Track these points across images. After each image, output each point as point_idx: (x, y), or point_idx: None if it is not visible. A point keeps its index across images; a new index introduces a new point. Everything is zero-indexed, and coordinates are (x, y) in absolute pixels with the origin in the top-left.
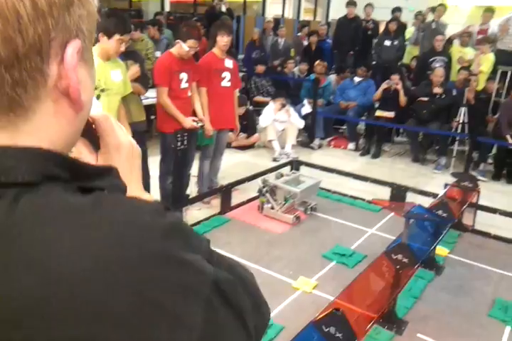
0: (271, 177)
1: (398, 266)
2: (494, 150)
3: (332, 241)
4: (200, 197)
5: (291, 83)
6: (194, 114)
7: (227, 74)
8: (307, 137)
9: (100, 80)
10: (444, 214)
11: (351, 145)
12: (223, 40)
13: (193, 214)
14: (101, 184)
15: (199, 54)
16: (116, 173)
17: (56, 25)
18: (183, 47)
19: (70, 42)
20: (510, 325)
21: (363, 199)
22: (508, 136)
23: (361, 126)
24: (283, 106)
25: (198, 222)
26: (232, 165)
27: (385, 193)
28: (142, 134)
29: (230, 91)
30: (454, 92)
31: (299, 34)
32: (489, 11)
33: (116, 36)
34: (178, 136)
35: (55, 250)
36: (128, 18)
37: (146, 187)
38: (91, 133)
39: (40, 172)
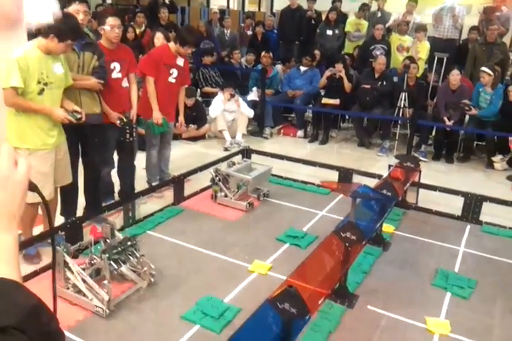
0: (223, 166)
1: (347, 243)
2: (434, 133)
3: (285, 225)
4: (152, 189)
5: (239, 73)
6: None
7: (174, 71)
8: (257, 126)
9: (43, 73)
10: (389, 193)
11: (300, 133)
12: (187, 51)
13: (146, 206)
14: None
15: (144, 45)
16: None
17: None
18: (106, 30)
19: None
20: (451, 291)
21: (313, 184)
22: (445, 118)
23: (309, 114)
24: (232, 96)
25: (152, 214)
26: (184, 156)
27: (333, 176)
28: (97, 127)
29: (174, 88)
30: (395, 79)
31: (243, 25)
32: (413, 1)
33: (68, 42)
34: (127, 127)
35: None
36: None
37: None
38: None
39: None
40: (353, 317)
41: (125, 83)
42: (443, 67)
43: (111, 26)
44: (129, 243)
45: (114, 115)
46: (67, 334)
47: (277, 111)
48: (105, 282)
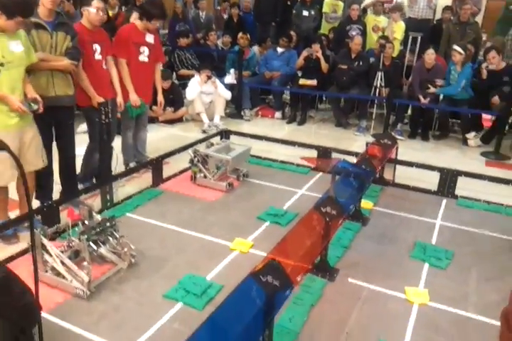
0: (201, 148)
1: (327, 218)
2: (409, 112)
3: (265, 204)
4: (130, 171)
5: (216, 55)
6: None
7: (145, 49)
8: (235, 109)
9: None
10: (367, 169)
11: (278, 114)
12: (155, 25)
13: (124, 189)
14: None
15: (117, 27)
16: None
17: None
18: (91, 12)
19: None
20: (429, 262)
21: (292, 163)
22: (420, 96)
23: (286, 96)
24: (209, 78)
25: (130, 196)
26: (161, 139)
27: (312, 156)
28: (69, 109)
29: (147, 67)
30: (372, 60)
31: (219, 8)
32: None
33: (19, 18)
34: (102, 108)
35: None
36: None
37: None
38: None
39: None
40: (335, 290)
41: (104, 65)
42: (417, 47)
43: (96, 9)
44: (107, 224)
45: (98, 99)
46: (47, 317)
47: (255, 93)
48: (85, 263)
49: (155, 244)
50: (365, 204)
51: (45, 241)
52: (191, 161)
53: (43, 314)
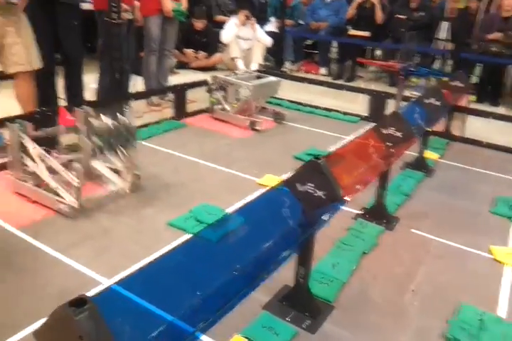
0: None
1: (389, 143)
2: (477, 73)
3: (305, 145)
4: (148, 93)
5: (257, 3)
6: None
7: None
8: (274, 63)
9: None
10: (438, 103)
11: (323, 70)
12: None
13: (142, 120)
14: None
15: None
16: None
17: None
18: None
19: None
20: None
21: (338, 111)
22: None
23: (333, 51)
24: (247, 18)
25: (146, 125)
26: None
27: (360, 109)
28: (72, 7)
29: None
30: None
31: None
32: None
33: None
34: (113, 3)
35: None
36: None
37: None
38: None
39: None
40: (394, 239)
41: None
42: None
43: None
44: (123, 130)
45: None
46: (16, 232)
47: (298, 46)
48: (76, 165)
49: (167, 171)
50: (430, 155)
51: (26, 138)
52: (209, 89)
53: (11, 229)
